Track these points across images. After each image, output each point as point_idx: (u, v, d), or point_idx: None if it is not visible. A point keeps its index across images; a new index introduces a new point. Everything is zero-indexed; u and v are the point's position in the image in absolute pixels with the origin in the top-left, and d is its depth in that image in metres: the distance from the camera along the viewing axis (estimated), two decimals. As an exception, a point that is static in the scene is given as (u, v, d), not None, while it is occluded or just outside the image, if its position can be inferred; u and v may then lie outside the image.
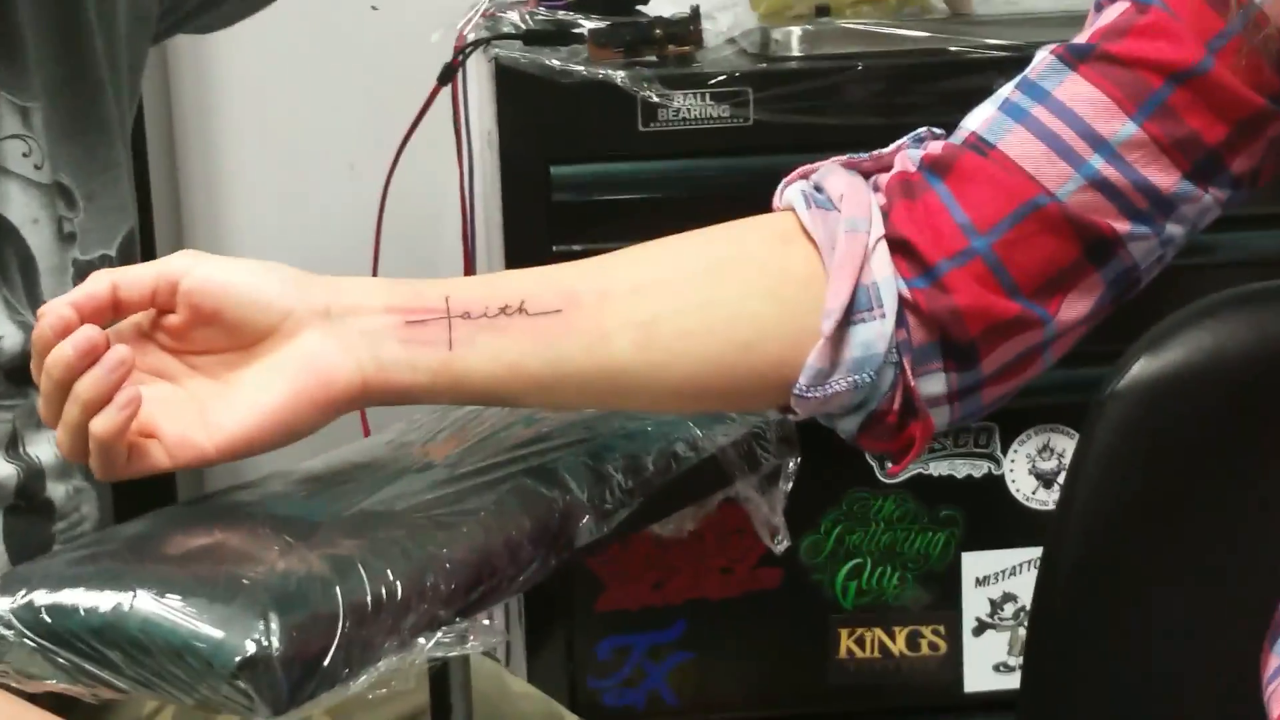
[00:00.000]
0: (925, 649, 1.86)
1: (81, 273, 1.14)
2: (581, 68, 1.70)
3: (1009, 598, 1.86)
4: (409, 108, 1.82)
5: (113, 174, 1.18)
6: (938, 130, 1.04)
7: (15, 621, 0.87)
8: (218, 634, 0.84)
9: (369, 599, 0.88)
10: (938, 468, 1.83)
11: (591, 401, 1.02)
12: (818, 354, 0.98)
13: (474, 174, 1.92)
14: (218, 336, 0.96)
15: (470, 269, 1.95)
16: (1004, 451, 1.83)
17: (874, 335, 0.98)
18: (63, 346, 0.92)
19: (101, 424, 0.92)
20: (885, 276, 0.98)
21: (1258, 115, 0.96)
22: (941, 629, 1.86)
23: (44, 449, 1.14)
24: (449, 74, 1.81)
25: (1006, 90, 1.00)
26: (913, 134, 1.04)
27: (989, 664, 1.87)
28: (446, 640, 0.92)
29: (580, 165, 1.75)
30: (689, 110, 1.70)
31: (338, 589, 0.87)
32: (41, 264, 1.13)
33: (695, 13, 1.76)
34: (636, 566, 1.83)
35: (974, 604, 1.86)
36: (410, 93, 1.83)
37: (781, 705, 1.89)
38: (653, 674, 1.86)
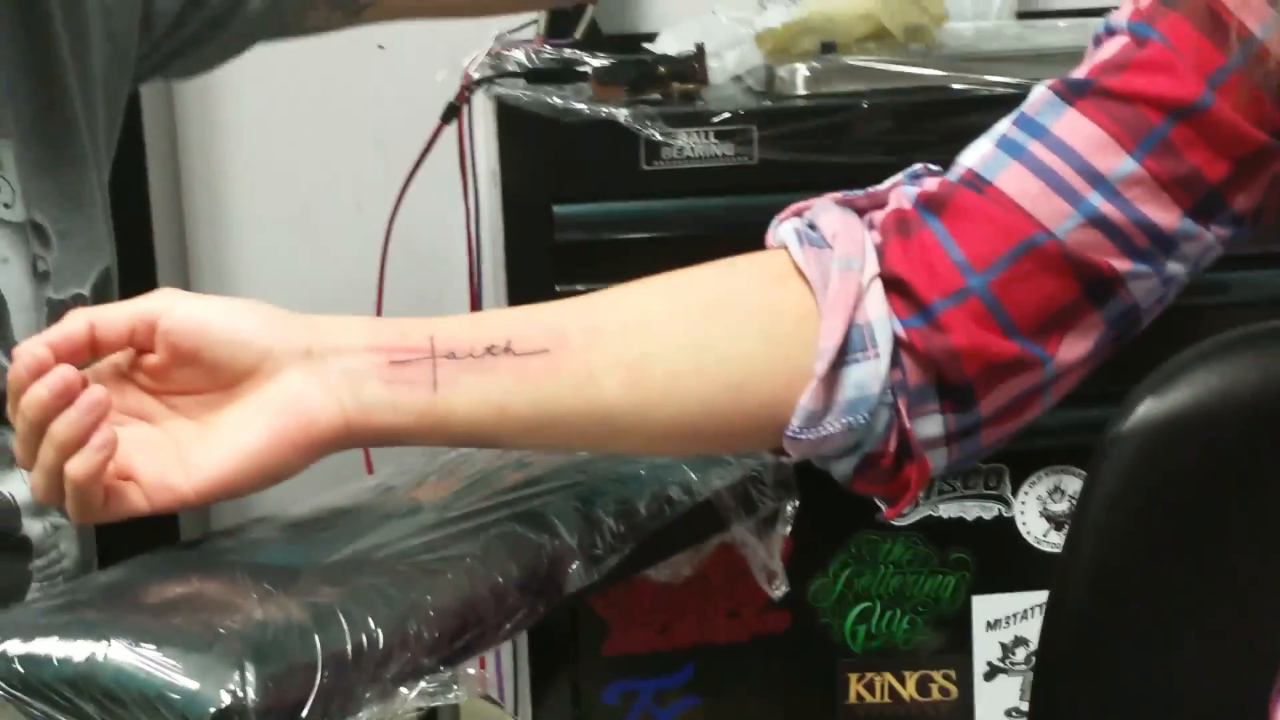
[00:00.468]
0: (936, 694, 1.84)
1: (55, 312, 1.13)
2: (584, 106, 1.69)
3: (1020, 642, 1.84)
4: (414, 146, 1.82)
5: (87, 211, 1.17)
6: (934, 167, 1.02)
7: (-12, 671, 0.85)
8: (193, 685, 0.82)
9: (349, 648, 0.87)
10: (947, 510, 1.81)
11: (580, 443, 1.01)
12: (810, 395, 0.96)
13: (480, 212, 1.91)
14: (197, 377, 0.94)
15: (476, 308, 1.94)
16: (1014, 493, 1.81)
17: (868, 376, 0.96)
18: (38, 387, 0.90)
19: (77, 466, 0.90)
20: (879, 316, 0.96)
21: (1259, 151, 0.95)
22: (952, 674, 1.84)
23: (17, 486, 1.13)
24: (453, 112, 1.81)
25: (1004, 126, 0.99)
26: (908, 170, 1.02)
27: (1001, 709, 1.85)
28: (430, 689, 0.90)
29: (583, 204, 1.73)
30: (693, 149, 1.69)
31: (316, 638, 0.86)
32: (12, 303, 1.12)
33: (700, 50, 1.75)
34: (643, 610, 1.81)
35: (985, 648, 1.84)
36: (416, 131, 1.83)
37: (790, 751, 1.88)
38: (659, 719, 1.84)
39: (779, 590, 1.14)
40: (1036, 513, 1.82)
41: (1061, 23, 1.94)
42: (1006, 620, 1.84)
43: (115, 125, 1.23)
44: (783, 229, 1.01)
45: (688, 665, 1.83)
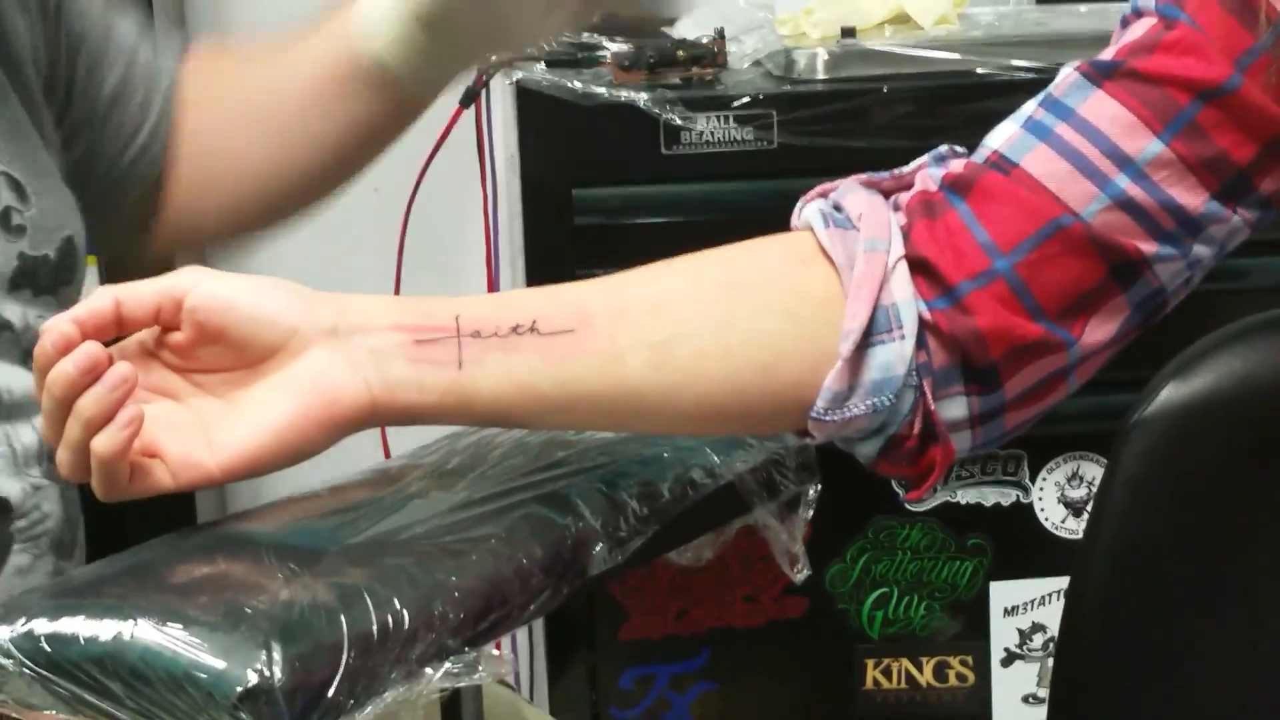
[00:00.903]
0: (953, 680, 1.84)
1: (26, 268, 1.12)
2: (604, 90, 1.69)
3: (1038, 628, 1.84)
4: (432, 130, 1.81)
5: (53, 180, 1.16)
6: (959, 149, 1.02)
7: (15, 651, 0.85)
8: (219, 664, 0.82)
9: (374, 628, 0.87)
10: (965, 495, 1.81)
11: (604, 423, 1.01)
12: (835, 376, 0.96)
13: (498, 197, 1.91)
14: (223, 354, 0.94)
15: (494, 291, 1.94)
16: (1032, 479, 1.81)
17: (893, 357, 0.96)
18: (64, 364, 0.90)
19: (103, 443, 0.90)
20: (905, 297, 0.96)
21: (1288, 134, 0.94)
22: (969, 659, 1.84)
23: None
24: (471, 96, 1.80)
25: (1030, 107, 0.98)
26: (934, 152, 1.02)
27: (1018, 695, 1.85)
28: (455, 670, 0.90)
29: (603, 188, 1.74)
30: (712, 133, 1.69)
31: (342, 618, 0.86)
32: None
33: (720, 35, 1.74)
34: (660, 595, 1.81)
35: (1002, 634, 1.84)
36: (434, 115, 1.81)
37: (806, 737, 1.88)
38: (676, 704, 1.84)
39: (801, 574, 1.14)
40: (1055, 499, 1.82)
41: (1082, 7, 1.93)
42: (1024, 606, 1.83)
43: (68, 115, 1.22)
44: (808, 210, 1.00)
45: (704, 650, 1.83)
